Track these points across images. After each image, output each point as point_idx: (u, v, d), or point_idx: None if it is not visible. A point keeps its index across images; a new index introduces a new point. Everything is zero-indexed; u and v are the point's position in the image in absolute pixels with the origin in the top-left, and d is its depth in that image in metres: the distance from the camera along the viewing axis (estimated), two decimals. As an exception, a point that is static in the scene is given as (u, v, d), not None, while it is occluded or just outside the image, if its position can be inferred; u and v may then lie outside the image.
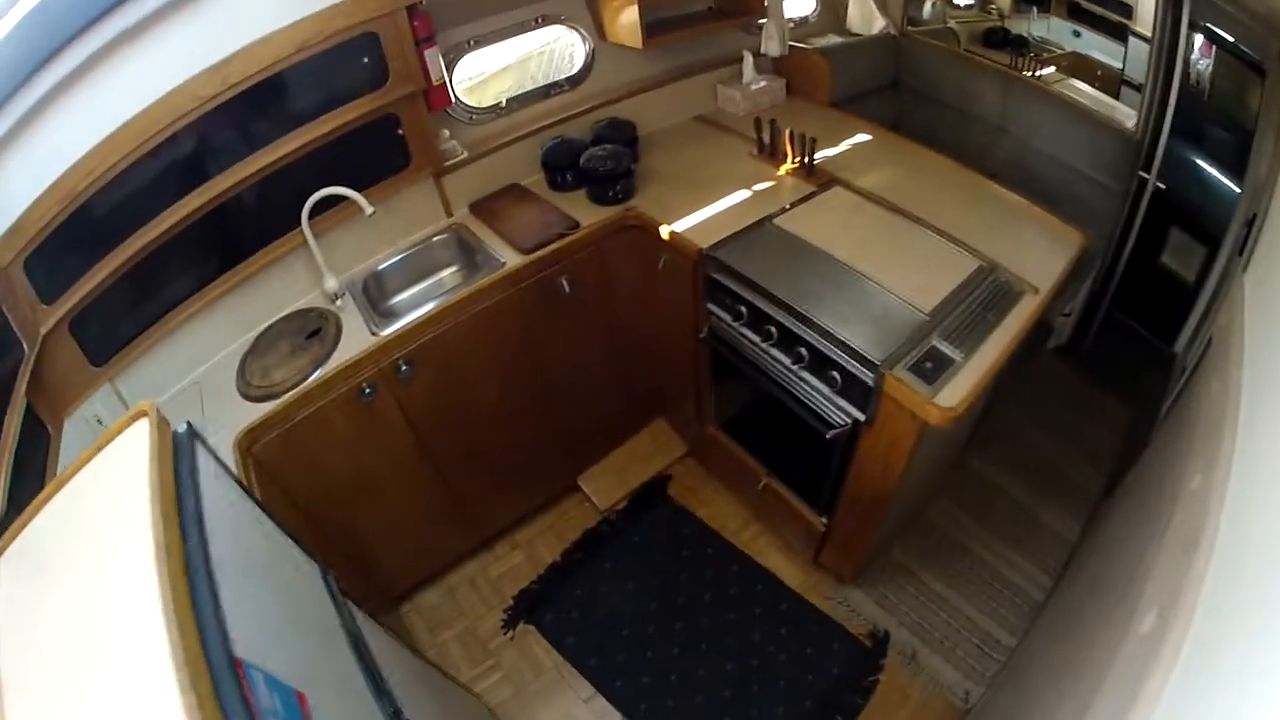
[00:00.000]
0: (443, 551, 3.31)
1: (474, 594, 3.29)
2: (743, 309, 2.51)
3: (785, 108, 3.52)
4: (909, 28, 3.76)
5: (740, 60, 3.45)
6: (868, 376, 2.12)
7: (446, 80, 2.72)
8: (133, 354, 2.43)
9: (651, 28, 2.99)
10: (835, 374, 2.24)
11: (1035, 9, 3.50)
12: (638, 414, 3.73)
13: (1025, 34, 3.54)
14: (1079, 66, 3.40)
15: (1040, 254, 2.44)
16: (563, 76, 3.21)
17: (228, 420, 2.29)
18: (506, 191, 3.07)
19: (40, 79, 2.02)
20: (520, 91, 3.15)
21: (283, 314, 2.69)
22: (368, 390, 2.46)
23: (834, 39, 3.72)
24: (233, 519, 1.45)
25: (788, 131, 2.90)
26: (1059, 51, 3.46)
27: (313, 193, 2.51)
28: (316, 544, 2.36)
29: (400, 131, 2.71)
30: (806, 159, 2.87)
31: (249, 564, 1.40)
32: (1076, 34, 3.38)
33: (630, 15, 2.93)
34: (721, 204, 2.81)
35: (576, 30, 3.13)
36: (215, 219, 2.46)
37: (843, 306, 2.25)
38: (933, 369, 2.04)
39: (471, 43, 2.88)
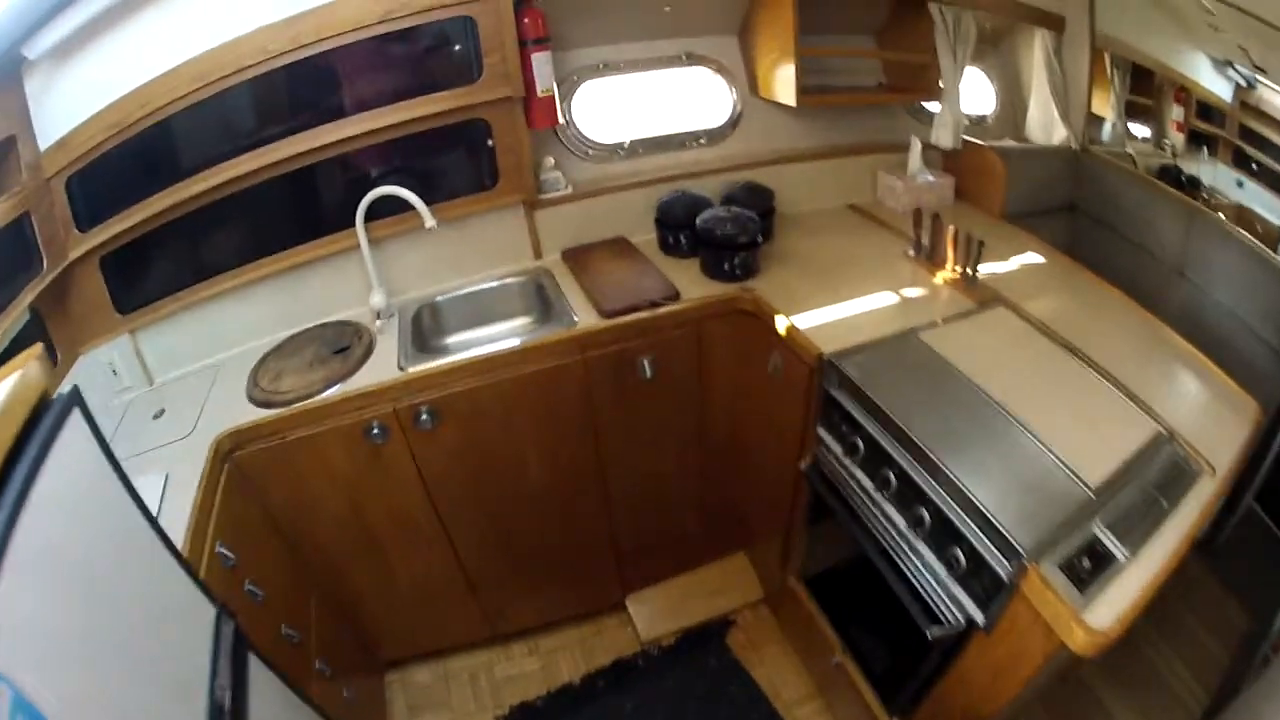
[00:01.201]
0: (446, 632, 2.89)
1: (470, 689, 2.88)
2: (859, 442, 1.99)
3: (951, 211, 3.02)
4: (1089, 145, 3.32)
5: (907, 148, 3.01)
6: (1003, 567, 1.55)
7: (555, 95, 2.41)
8: (159, 312, 2.34)
9: (809, 90, 2.63)
10: (959, 553, 1.68)
11: (1205, 150, 3.10)
12: (715, 540, 3.17)
13: (1198, 175, 3.15)
14: (1241, 218, 2.98)
15: (1215, 423, 1.88)
16: (703, 127, 2.85)
17: (223, 415, 2.11)
18: (609, 244, 2.71)
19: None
20: (649, 135, 2.81)
21: (322, 320, 2.46)
22: (376, 430, 2.13)
23: (1010, 144, 3.25)
24: (89, 516, 1.24)
25: (951, 230, 2.40)
26: (1224, 200, 3.05)
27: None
28: (298, 578, 2.27)
29: (490, 142, 2.42)
30: (970, 268, 2.35)
31: (84, 569, 1.17)
32: (1240, 184, 2.96)
33: (786, 69, 2.56)
34: (860, 304, 2.34)
35: (724, 77, 2.80)
36: (268, 193, 2.29)
37: (988, 461, 1.70)
38: (1089, 570, 1.47)
39: (602, 67, 2.61)
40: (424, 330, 2.46)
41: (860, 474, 1.99)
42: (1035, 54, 3.16)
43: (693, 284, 2.43)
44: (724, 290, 2.40)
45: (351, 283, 2.43)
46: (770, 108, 2.82)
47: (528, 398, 2.27)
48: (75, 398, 1.25)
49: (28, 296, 2.00)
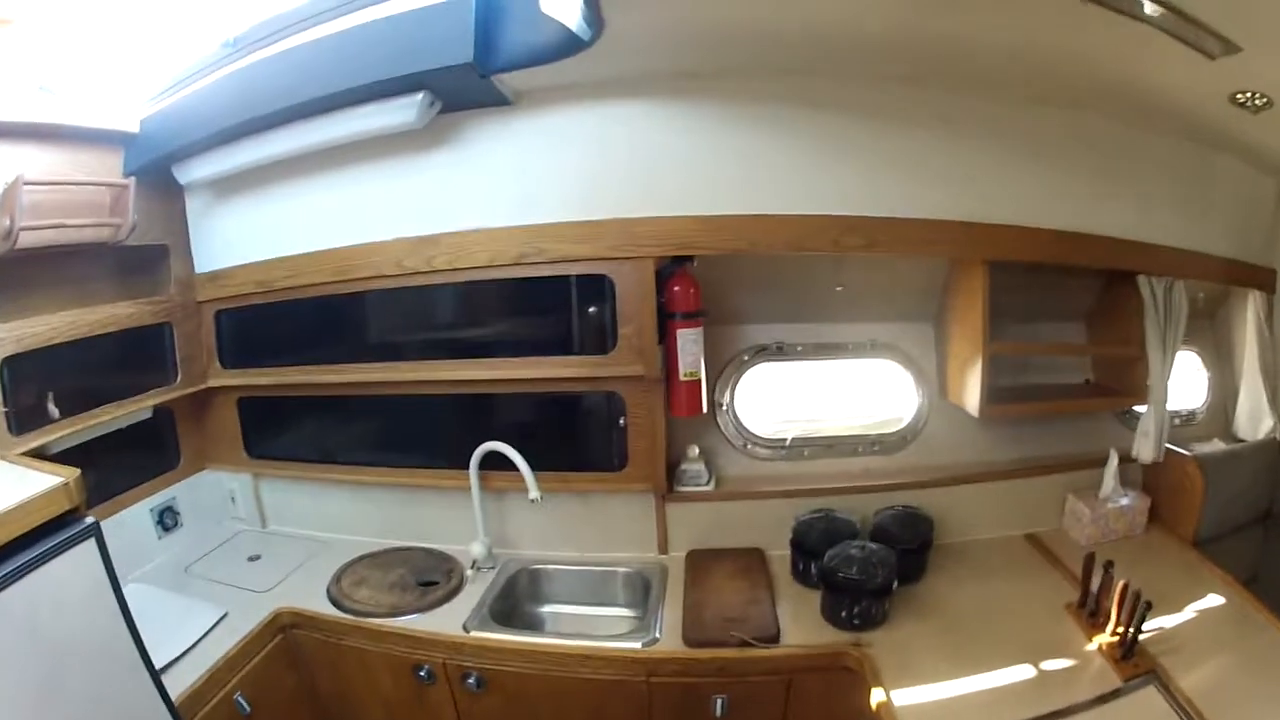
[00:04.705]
0: None
1: None
2: None
3: (1138, 541, 2.52)
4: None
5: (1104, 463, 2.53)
6: None
7: (702, 380, 2.28)
8: (281, 471, 2.65)
9: (1000, 393, 2.30)
10: None
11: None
12: None
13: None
14: None
15: None
16: (878, 432, 2.61)
17: (299, 591, 2.38)
18: (740, 555, 2.48)
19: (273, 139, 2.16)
20: (818, 434, 2.61)
21: (426, 544, 2.59)
22: (424, 673, 2.19)
23: (1218, 445, 2.75)
24: (74, 618, 1.52)
25: (1120, 586, 1.95)
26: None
27: (509, 440, 2.31)
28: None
29: (623, 421, 2.34)
30: (1131, 631, 1.90)
31: (53, 648, 1.47)
32: None
33: (974, 370, 2.25)
34: (985, 679, 1.94)
35: (912, 373, 2.57)
36: (397, 407, 2.53)
37: None
38: None
39: (777, 349, 2.51)
40: (518, 592, 2.46)
41: None
42: (1248, 325, 2.68)
43: (803, 625, 2.18)
44: (834, 640, 2.12)
45: (463, 520, 2.50)
46: (957, 414, 2.49)
47: (580, 701, 2.17)
48: (94, 531, 1.56)
49: (151, 400, 2.34)
